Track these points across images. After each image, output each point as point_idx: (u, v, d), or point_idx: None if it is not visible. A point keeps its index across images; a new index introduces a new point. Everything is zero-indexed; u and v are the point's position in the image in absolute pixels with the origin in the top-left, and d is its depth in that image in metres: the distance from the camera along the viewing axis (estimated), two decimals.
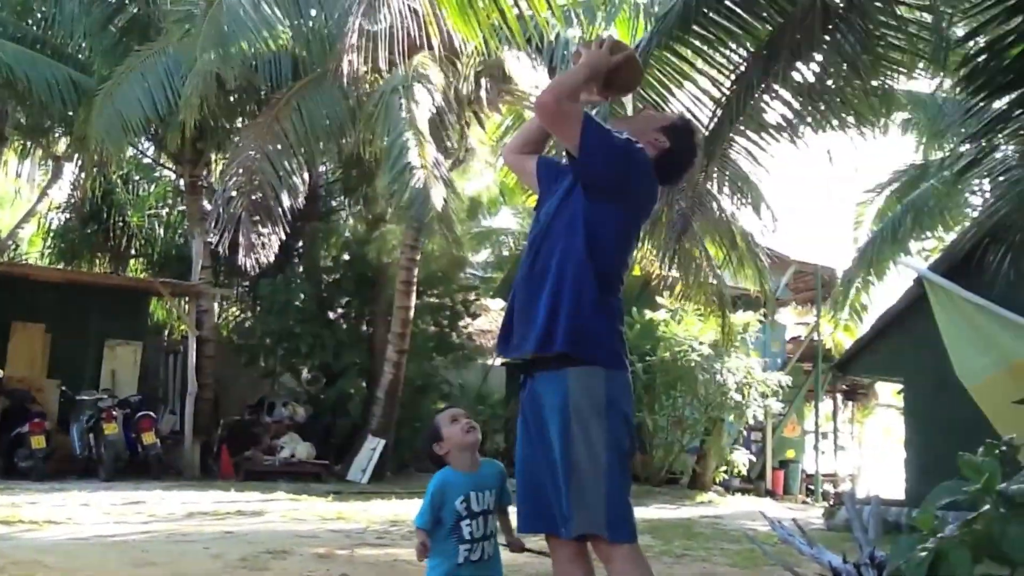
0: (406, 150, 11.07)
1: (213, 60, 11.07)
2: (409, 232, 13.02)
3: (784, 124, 6.21)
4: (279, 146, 12.27)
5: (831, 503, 13.05)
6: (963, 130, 7.01)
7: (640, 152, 2.86)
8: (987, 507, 2.70)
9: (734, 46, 5.86)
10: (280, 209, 12.33)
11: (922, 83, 11.44)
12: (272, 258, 12.87)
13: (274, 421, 14.08)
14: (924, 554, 2.52)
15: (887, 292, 14.18)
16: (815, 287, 17.82)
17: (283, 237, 12.81)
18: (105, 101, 12.07)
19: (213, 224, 12.35)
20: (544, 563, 3.17)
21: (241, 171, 12.07)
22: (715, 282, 10.87)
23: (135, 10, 13.86)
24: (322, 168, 16.09)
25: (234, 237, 12.10)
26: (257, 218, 12.29)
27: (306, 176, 12.68)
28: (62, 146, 16.12)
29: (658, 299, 13.44)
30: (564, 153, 2.88)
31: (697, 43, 5.78)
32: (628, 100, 4.54)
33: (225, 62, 11.19)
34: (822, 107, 6.07)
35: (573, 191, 2.86)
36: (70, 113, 13.30)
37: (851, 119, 6.31)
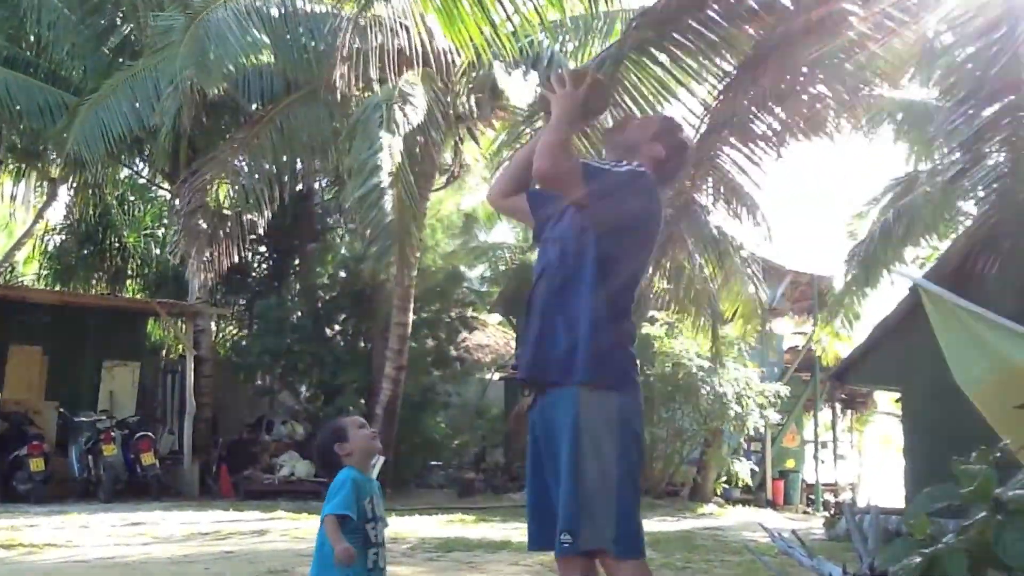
0: (378, 170, 10.96)
1: (193, 77, 11.01)
2: (404, 249, 13.00)
3: (771, 134, 6.23)
4: (253, 163, 12.31)
5: (832, 513, 13.04)
6: (951, 139, 7.04)
7: (643, 178, 2.86)
8: (983, 513, 2.72)
9: (714, 56, 5.88)
10: (242, 225, 12.43)
11: (913, 91, 11.50)
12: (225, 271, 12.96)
13: (273, 439, 14.06)
14: (919, 560, 2.54)
15: (882, 301, 14.19)
16: (811, 296, 17.86)
17: (247, 254, 12.90)
18: (89, 111, 12.09)
19: (178, 240, 12.43)
20: None
21: (204, 185, 12.10)
22: (705, 291, 10.77)
23: (126, 31, 13.92)
24: (316, 186, 16.15)
25: (187, 252, 12.22)
26: (224, 233, 12.38)
27: (278, 193, 12.65)
28: (57, 168, 16.15)
29: (652, 313, 13.47)
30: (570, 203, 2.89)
31: (677, 51, 5.79)
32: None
33: (205, 79, 11.10)
34: (809, 117, 6.10)
35: (580, 219, 2.87)
36: (64, 135, 13.35)
37: (838, 129, 6.34)
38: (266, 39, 11.70)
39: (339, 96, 11.73)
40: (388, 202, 10.90)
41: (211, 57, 11.06)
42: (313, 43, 12.29)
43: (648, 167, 2.93)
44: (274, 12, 11.92)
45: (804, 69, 5.72)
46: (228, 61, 11.44)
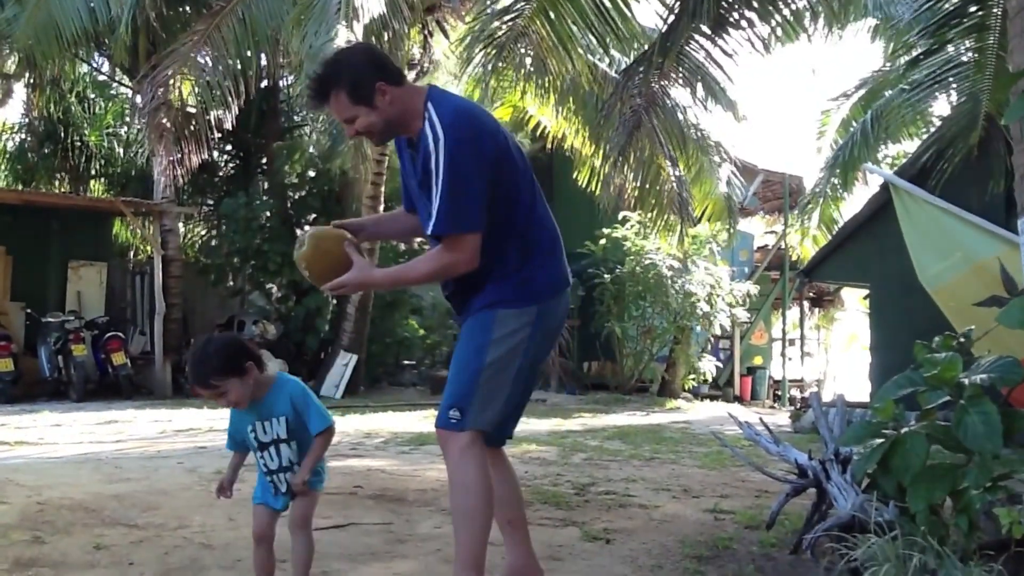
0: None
1: None
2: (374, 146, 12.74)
3: (744, 24, 6.07)
4: (216, 57, 11.88)
5: (797, 407, 13.34)
6: (915, 24, 6.89)
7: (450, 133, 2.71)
8: (945, 398, 2.75)
9: None
10: (207, 122, 12.06)
11: None
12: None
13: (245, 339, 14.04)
14: (880, 441, 2.57)
15: (855, 201, 14.24)
16: (783, 195, 17.90)
17: (212, 153, 12.52)
18: (39, 6, 11.57)
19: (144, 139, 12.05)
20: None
21: (166, 81, 11.71)
22: (675, 188, 10.59)
23: None
24: (282, 82, 15.74)
25: (152, 150, 11.98)
26: (189, 131, 12.05)
27: (243, 89, 12.23)
28: (11, 64, 15.59)
29: (624, 213, 13.43)
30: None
31: None
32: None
33: None
34: (782, 8, 5.95)
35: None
36: (9, 25, 12.79)
37: (812, 21, 6.21)
38: None
39: None
40: None
41: None
42: None
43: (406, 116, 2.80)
44: None
45: None
46: None
